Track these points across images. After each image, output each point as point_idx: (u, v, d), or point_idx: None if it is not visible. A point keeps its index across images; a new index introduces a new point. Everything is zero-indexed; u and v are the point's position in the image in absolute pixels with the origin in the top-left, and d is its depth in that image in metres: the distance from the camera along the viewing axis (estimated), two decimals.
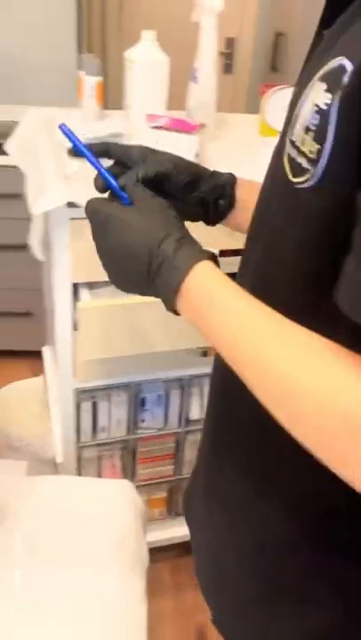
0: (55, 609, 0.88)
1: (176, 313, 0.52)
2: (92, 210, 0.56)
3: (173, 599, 1.50)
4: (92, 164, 0.59)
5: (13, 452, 1.44)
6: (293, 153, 0.45)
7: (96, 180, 0.60)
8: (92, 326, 1.11)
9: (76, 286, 1.13)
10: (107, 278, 0.59)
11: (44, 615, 0.87)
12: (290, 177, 0.45)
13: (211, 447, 0.67)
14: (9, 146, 1.32)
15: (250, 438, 0.58)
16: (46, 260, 1.33)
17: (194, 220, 0.67)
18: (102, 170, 0.59)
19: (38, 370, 2.02)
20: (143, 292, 0.55)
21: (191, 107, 1.28)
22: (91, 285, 1.15)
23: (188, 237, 0.53)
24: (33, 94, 2.10)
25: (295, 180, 0.45)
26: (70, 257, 1.06)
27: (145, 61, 1.18)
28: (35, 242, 1.26)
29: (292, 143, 0.45)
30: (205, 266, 0.50)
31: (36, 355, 2.14)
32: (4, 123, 2.00)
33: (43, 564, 0.93)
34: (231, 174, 0.68)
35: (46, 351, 1.68)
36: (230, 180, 0.67)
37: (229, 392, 0.58)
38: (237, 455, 0.61)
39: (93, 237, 0.57)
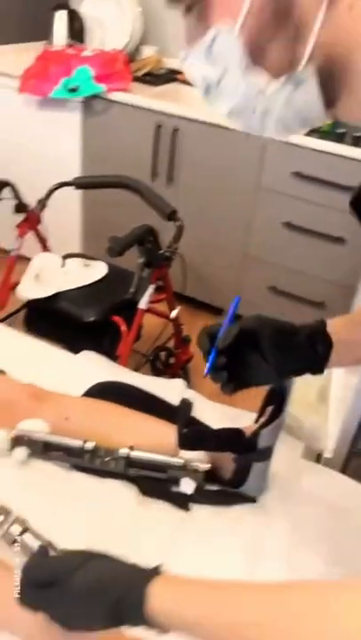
0: None
1: None
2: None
3: None
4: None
5: (285, 429, 1.50)
6: None
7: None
8: None
9: None
10: None
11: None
12: None
13: None
14: None
15: None
16: None
17: (299, 373, 0.83)
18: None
19: None
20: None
21: None
22: None
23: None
24: None
25: None
26: None
27: None
28: None
29: None
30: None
31: None
32: None
33: (304, 552, 0.93)
34: (322, 321, 0.79)
35: None
36: (320, 326, 0.79)
37: None
38: None
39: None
